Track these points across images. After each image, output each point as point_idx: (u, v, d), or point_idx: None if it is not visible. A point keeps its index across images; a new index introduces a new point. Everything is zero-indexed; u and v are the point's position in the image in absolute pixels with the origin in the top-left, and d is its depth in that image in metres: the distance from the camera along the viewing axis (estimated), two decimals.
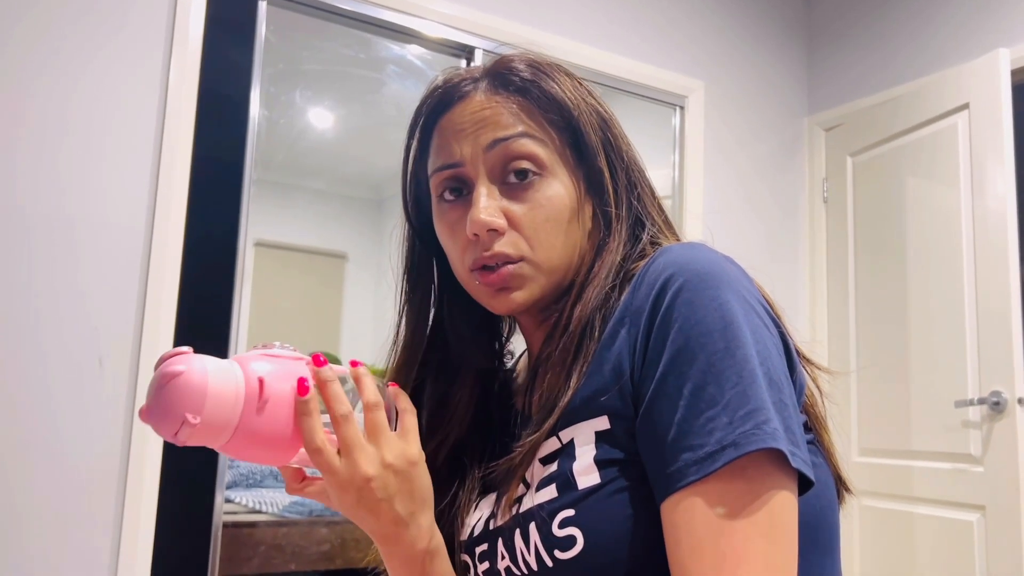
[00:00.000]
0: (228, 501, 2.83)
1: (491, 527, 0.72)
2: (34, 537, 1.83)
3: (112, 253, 1.97)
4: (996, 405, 2.46)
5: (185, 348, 0.63)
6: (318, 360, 0.66)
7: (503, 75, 0.77)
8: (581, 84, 0.79)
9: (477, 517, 0.75)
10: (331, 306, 4.96)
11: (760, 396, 0.58)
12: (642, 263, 0.71)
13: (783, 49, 3.31)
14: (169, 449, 1.96)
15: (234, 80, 2.17)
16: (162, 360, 0.62)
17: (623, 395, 0.64)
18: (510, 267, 0.72)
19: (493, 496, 0.74)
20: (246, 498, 2.99)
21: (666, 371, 0.61)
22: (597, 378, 0.66)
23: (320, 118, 4.41)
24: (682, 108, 2.98)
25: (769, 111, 3.22)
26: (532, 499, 0.67)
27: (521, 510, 0.68)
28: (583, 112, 0.76)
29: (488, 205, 0.72)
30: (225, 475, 2.09)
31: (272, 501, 2.94)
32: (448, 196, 0.76)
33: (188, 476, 2.01)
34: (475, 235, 0.72)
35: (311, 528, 2.81)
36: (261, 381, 0.62)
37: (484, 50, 2.55)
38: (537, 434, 0.68)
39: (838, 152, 3.19)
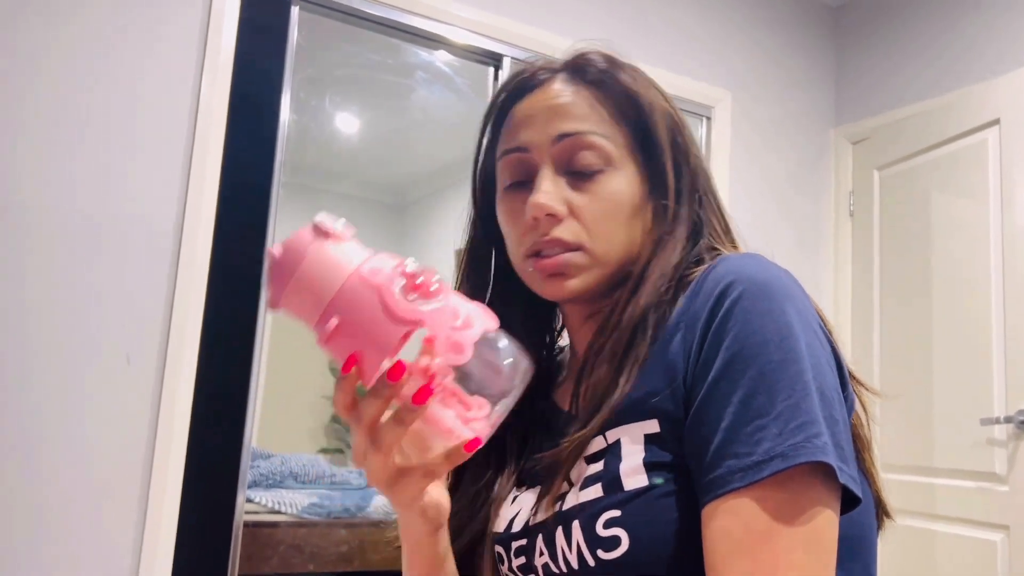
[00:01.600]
0: (249, 501, 2.85)
1: (530, 523, 0.71)
2: (57, 533, 1.85)
3: (143, 252, 1.99)
4: (1023, 424, 2.43)
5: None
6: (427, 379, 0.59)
7: (580, 67, 0.77)
8: (656, 85, 0.80)
9: (515, 511, 0.74)
10: None
11: (812, 410, 0.58)
12: (699, 269, 0.71)
13: (811, 60, 3.30)
14: (193, 447, 1.98)
15: (265, 84, 2.20)
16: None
17: (675, 399, 0.64)
18: (566, 254, 0.72)
19: (532, 491, 0.74)
20: (266, 498, 3.01)
21: (718, 376, 0.61)
22: (649, 380, 0.66)
23: (348, 123, 4.45)
24: (708, 118, 2.97)
25: (796, 122, 3.21)
26: (576, 497, 0.67)
27: (564, 507, 0.67)
28: (655, 111, 0.77)
29: (550, 191, 0.73)
30: (247, 475, 2.10)
31: (292, 502, 2.96)
32: (512, 182, 0.77)
33: (211, 475, 2.03)
34: (534, 219, 0.73)
35: (330, 529, 2.83)
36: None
37: (512, 58, 2.56)
38: (585, 431, 0.67)
39: (865, 165, 3.17)
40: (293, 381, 4.54)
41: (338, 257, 0.56)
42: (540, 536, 0.69)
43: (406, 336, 0.56)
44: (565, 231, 0.72)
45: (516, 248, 0.77)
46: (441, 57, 3.09)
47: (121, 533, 1.90)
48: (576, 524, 0.65)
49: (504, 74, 2.57)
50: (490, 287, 0.85)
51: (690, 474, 0.62)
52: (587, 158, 0.73)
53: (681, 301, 0.69)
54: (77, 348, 1.91)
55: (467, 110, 3.74)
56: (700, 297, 0.66)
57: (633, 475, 0.63)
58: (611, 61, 0.78)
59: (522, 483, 0.77)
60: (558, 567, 0.67)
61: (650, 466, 0.63)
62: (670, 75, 2.87)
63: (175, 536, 1.94)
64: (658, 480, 0.62)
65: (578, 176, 0.74)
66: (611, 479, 0.64)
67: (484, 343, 0.57)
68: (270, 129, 2.19)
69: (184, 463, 1.97)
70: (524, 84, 0.78)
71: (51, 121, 1.93)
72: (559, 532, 0.67)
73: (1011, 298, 2.52)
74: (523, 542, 0.72)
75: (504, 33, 2.56)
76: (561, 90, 0.76)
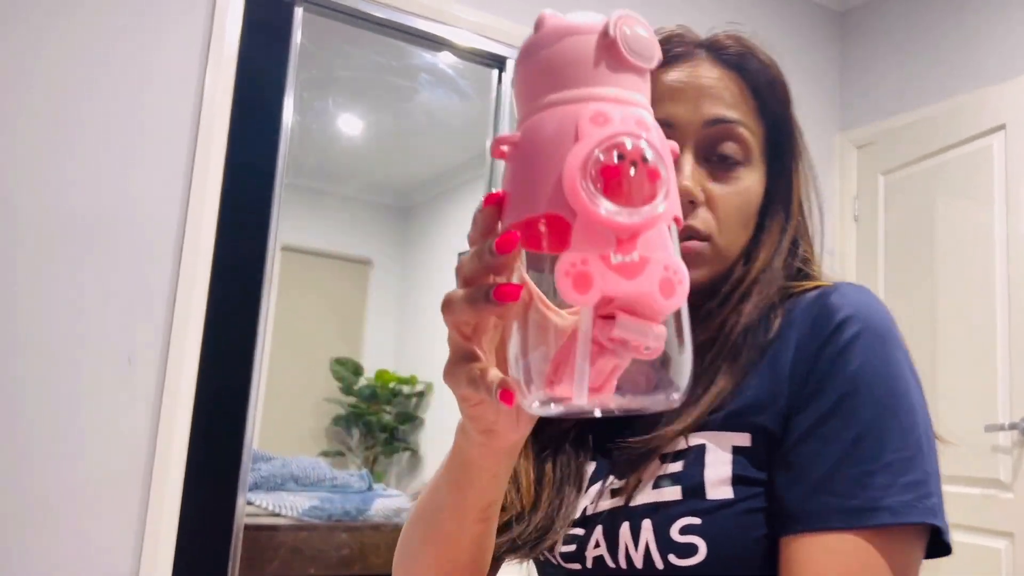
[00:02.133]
0: (249, 503, 2.84)
1: (588, 512, 0.68)
2: (57, 534, 1.84)
3: (144, 253, 1.99)
4: None
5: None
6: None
7: (730, 51, 0.74)
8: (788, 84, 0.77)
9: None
10: (355, 311, 4.98)
11: (924, 468, 0.58)
12: (804, 285, 0.69)
13: (816, 64, 3.29)
14: (194, 449, 1.98)
15: (268, 85, 2.19)
16: None
17: (776, 418, 0.62)
18: (695, 243, 0.69)
19: (598, 481, 0.70)
20: (267, 501, 3.00)
21: (829, 412, 0.60)
22: (748, 392, 0.64)
23: (351, 124, 4.44)
24: None
25: (800, 126, 3.20)
26: (648, 495, 0.64)
27: (633, 503, 0.65)
28: (790, 112, 0.75)
29: (693, 175, 0.70)
30: (248, 477, 2.10)
31: (292, 505, 2.95)
32: None
33: (212, 476, 2.02)
34: None
35: (330, 533, 2.82)
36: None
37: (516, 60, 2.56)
38: (669, 431, 0.65)
39: (870, 170, 3.16)
40: (294, 383, 4.54)
41: (583, 76, 0.39)
42: (599, 528, 0.67)
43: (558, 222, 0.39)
44: (699, 220, 0.69)
45: None
46: (445, 59, 3.08)
47: (121, 535, 1.90)
48: (648, 523, 0.63)
49: (508, 76, 2.57)
50: None
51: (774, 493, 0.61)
52: (731, 149, 0.71)
53: (783, 315, 0.67)
54: (78, 349, 1.90)
55: (471, 112, 3.73)
56: (812, 321, 0.64)
57: (719, 486, 0.62)
58: (759, 51, 0.76)
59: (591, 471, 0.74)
60: (615, 562, 0.65)
61: (738, 479, 0.62)
62: None
63: (175, 538, 1.93)
64: (745, 495, 0.61)
65: (718, 165, 0.71)
66: (693, 485, 0.62)
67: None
68: (273, 130, 2.19)
69: (185, 465, 1.97)
70: (666, 53, 0.73)
71: (54, 121, 1.93)
72: (625, 527, 0.64)
73: (1016, 304, 2.51)
74: (578, 531, 0.68)
75: (508, 35, 2.56)
76: (710, 70, 0.73)
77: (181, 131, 2.05)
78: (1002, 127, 2.63)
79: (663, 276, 0.37)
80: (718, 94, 0.71)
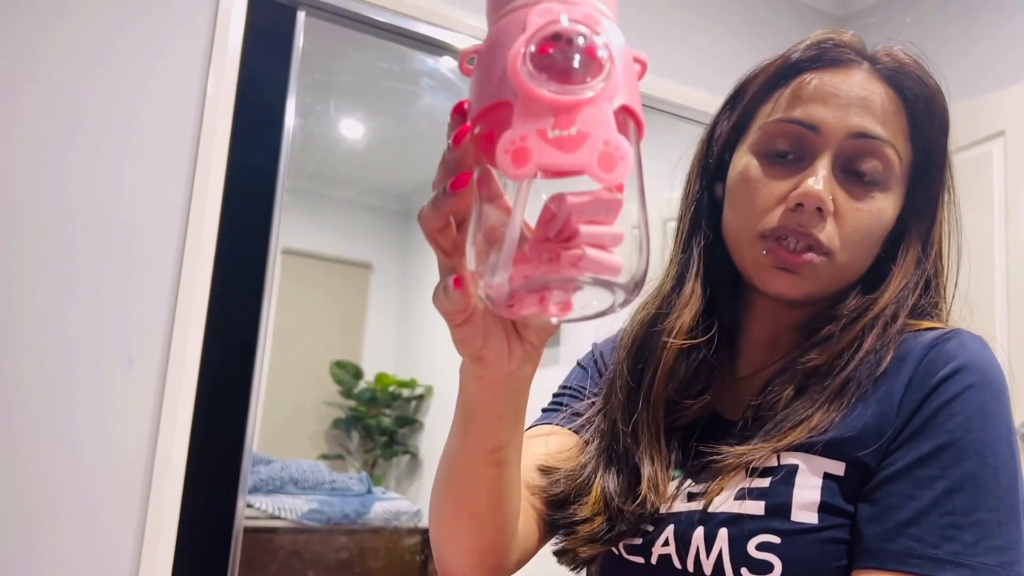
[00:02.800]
0: (249, 506, 2.85)
1: (661, 509, 0.68)
2: (56, 536, 1.85)
3: (145, 255, 1.99)
4: None
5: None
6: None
7: (893, 67, 0.71)
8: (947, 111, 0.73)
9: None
10: (355, 315, 4.99)
11: (1013, 536, 0.57)
12: (922, 325, 0.68)
13: None
14: (194, 451, 1.98)
15: (270, 89, 2.20)
16: None
17: (877, 455, 0.61)
18: (814, 256, 0.67)
19: (676, 480, 0.70)
20: (267, 504, 3.01)
21: (927, 457, 0.59)
22: (850, 425, 0.63)
23: (353, 128, 4.45)
24: None
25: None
26: (730, 504, 0.64)
27: (712, 509, 0.64)
28: (945, 143, 0.73)
29: (826, 183, 0.67)
30: (247, 480, 2.10)
31: (292, 507, 2.95)
32: (774, 152, 0.70)
33: (212, 479, 2.02)
34: (799, 205, 0.66)
35: (330, 536, 2.82)
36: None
37: None
38: (765, 446, 0.64)
39: None
40: (294, 386, 4.54)
41: None
42: (672, 527, 0.66)
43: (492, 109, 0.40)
44: (825, 233, 0.66)
45: (750, 221, 0.69)
46: (447, 64, 3.09)
47: (121, 537, 1.90)
48: (724, 532, 0.63)
49: None
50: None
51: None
52: (873, 166, 0.68)
53: (895, 350, 0.65)
54: (79, 351, 1.91)
55: None
56: (927, 364, 0.63)
57: (805, 509, 0.61)
58: (925, 74, 0.73)
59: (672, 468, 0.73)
60: (682, 563, 0.64)
61: (825, 507, 0.61)
62: (675, 84, 2.87)
63: (175, 540, 1.94)
64: (830, 524, 0.61)
65: (855, 180, 0.68)
66: (779, 504, 0.62)
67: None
68: (274, 134, 2.19)
69: (185, 467, 1.97)
70: (826, 54, 0.71)
71: (56, 125, 1.94)
72: (699, 532, 0.64)
73: (1015, 310, 2.51)
74: (648, 527, 0.68)
75: None
76: (868, 82, 0.70)
77: (183, 134, 2.06)
78: (1001, 133, 2.63)
79: (602, 151, 0.38)
80: (872, 107, 0.68)
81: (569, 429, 0.78)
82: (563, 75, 0.38)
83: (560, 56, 0.38)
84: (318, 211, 4.77)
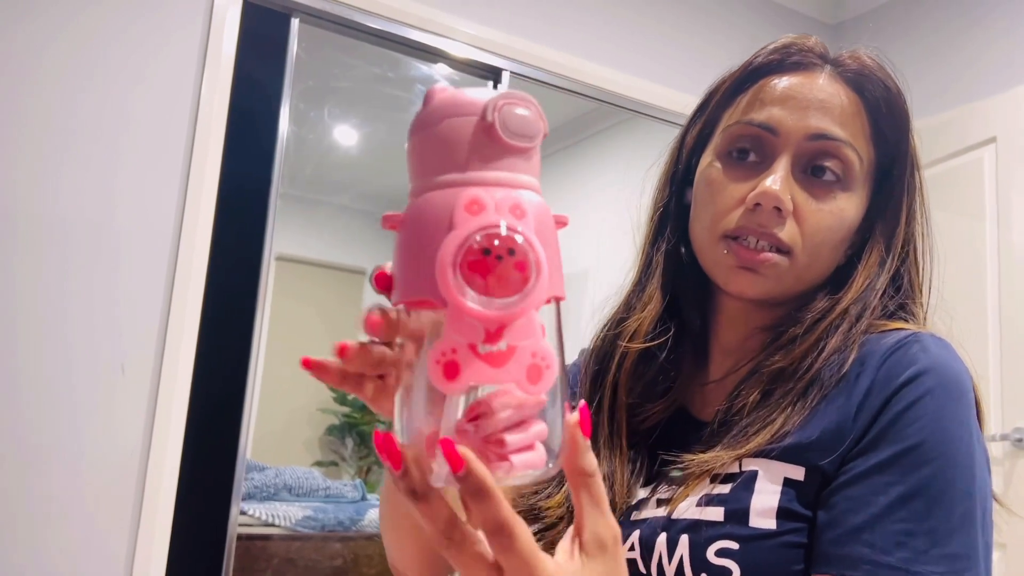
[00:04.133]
0: (242, 513, 2.84)
1: (632, 517, 0.68)
2: (50, 543, 1.84)
3: (139, 262, 1.99)
4: (1019, 442, 2.43)
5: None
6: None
7: (852, 68, 0.72)
8: (909, 112, 0.73)
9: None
10: (349, 322, 4.97)
11: (968, 544, 0.58)
12: (888, 325, 0.68)
13: None
14: (187, 458, 1.97)
15: (264, 96, 2.20)
16: None
17: (834, 461, 0.61)
18: (774, 255, 0.67)
19: (645, 488, 0.70)
20: (260, 511, 2.99)
21: (884, 463, 0.59)
22: (810, 430, 0.63)
23: (346, 135, 4.45)
24: None
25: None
26: (691, 510, 0.64)
27: (675, 515, 0.65)
28: (908, 144, 0.72)
29: (784, 183, 0.67)
30: (241, 487, 2.09)
31: (286, 515, 2.94)
32: (734, 154, 0.71)
33: (205, 486, 2.02)
34: (757, 205, 0.67)
35: (324, 543, 2.81)
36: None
37: (512, 72, 2.57)
38: (728, 453, 0.64)
39: None
40: (288, 393, 4.52)
41: (467, 164, 0.40)
42: (637, 532, 0.67)
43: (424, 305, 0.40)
44: (785, 232, 0.67)
45: (711, 222, 0.70)
46: (441, 71, 3.09)
47: (114, 544, 1.89)
48: (685, 539, 0.63)
49: (503, 88, 2.58)
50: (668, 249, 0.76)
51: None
52: (832, 166, 0.68)
53: (857, 351, 0.65)
54: (72, 357, 1.90)
55: None
56: (887, 368, 0.62)
57: (764, 515, 0.61)
58: (885, 73, 0.72)
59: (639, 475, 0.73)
60: (647, 568, 0.65)
61: (783, 512, 0.61)
62: (669, 91, 2.88)
63: (168, 548, 1.93)
64: (788, 528, 0.61)
65: (815, 179, 0.69)
66: (738, 510, 0.62)
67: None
68: (269, 140, 2.19)
69: (178, 474, 1.96)
70: (788, 58, 0.72)
71: (50, 130, 1.93)
72: (662, 538, 0.64)
73: (1007, 315, 2.52)
74: None
75: (504, 48, 2.57)
76: (829, 84, 0.70)
77: (177, 141, 2.06)
78: (993, 140, 2.65)
79: (530, 363, 0.38)
80: (830, 109, 0.69)
81: None
82: (494, 288, 0.38)
83: (490, 269, 0.38)
84: (312, 217, 4.77)
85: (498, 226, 0.38)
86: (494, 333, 0.38)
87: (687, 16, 3.00)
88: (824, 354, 0.65)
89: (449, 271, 0.38)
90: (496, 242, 0.38)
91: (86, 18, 1.99)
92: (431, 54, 2.53)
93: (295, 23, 2.26)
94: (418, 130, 0.43)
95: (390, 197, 5.08)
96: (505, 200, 0.39)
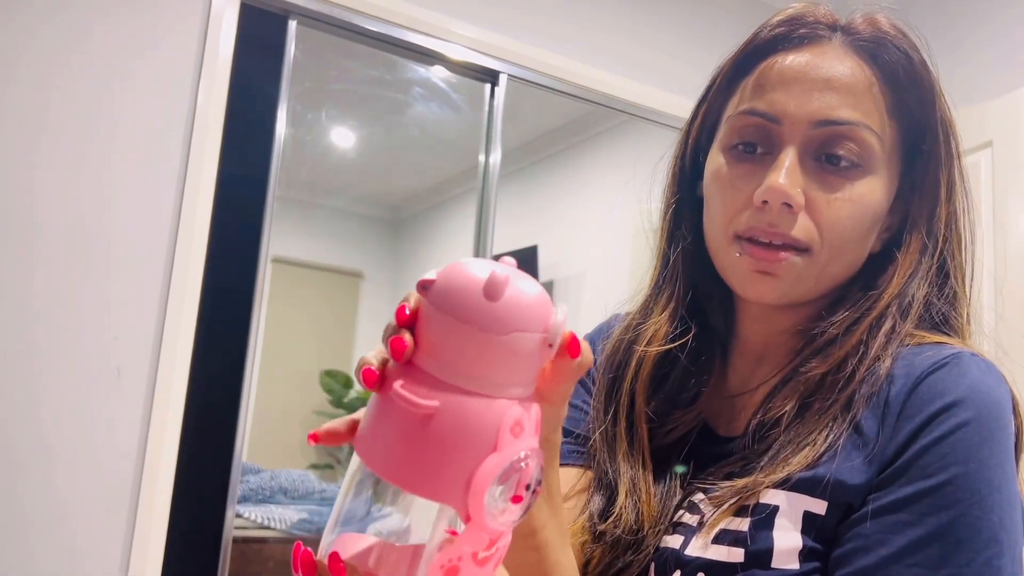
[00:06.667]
0: (238, 516, 2.83)
1: (651, 539, 0.64)
2: (45, 546, 1.83)
3: (135, 265, 1.98)
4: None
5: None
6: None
7: (864, 34, 0.64)
8: (938, 78, 0.66)
9: None
10: (345, 324, 4.97)
11: None
12: (926, 337, 0.61)
13: None
14: (183, 461, 1.97)
15: (261, 98, 2.20)
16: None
17: (859, 496, 0.56)
18: (791, 254, 0.61)
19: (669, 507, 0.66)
20: (256, 514, 2.99)
21: (905, 501, 0.54)
22: (836, 462, 0.57)
23: (344, 137, 4.46)
24: None
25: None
26: (707, 549, 0.58)
27: (687, 551, 0.60)
28: (938, 111, 0.64)
29: (793, 176, 0.60)
30: (237, 489, 2.09)
31: (281, 517, 2.94)
32: (739, 147, 0.64)
33: (201, 489, 2.01)
34: (764, 202, 0.60)
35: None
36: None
37: (509, 75, 2.57)
38: (765, 478, 0.58)
39: None
40: (284, 395, 4.52)
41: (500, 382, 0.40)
42: (653, 564, 0.62)
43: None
44: (799, 229, 0.60)
45: (722, 221, 0.64)
46: (438, 73, 3.09)
47: (109, 548, 1.88)
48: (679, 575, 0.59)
49: (500, 91, 2.58)
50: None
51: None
52: (846, 150, 0.61)
53: (893, 367, 0.59)
54: (68, 360, 1.89)
55: (463, 126, 3.74)
56: (919, 392, 0.57)
57: (788, 556, 0.56)
58: (904, 37, 0.65)
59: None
60: None
61: (805, 552, 0.56)
62: (666, 94, 2.88)
63: (164, 551, 1.92)
64: (809, 568, 0.56)
65: (828, 167, 0.62)
66: (759, 551, 0.56)
67: None
68: (265, 143, 2.19)
69: (174, 477, 1.96)
70: (792, 32, 0.65)
71: (45, 134, 1.93)
72: (651, 570, 0.61)
73: (1005, 320, 2.53)
74: (630, 555, 0.63)
75: (501, 51, 2.57)
76: (836, 59, 0.63)
77: (174, 143, 2.06)
78: (989, 144, 2.65)
79: (499, 557, 0.42)
80: (839, 89, 0.61)
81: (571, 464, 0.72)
82: (506, 512, 0.41)
83: (521, 499, 0.41)
84: (308, 220, 4.76)
85: (536, 457, 0.40)
86: (493, 543, 0.41)
87: (684, 19, 3.00)
88: (868, 359, 0.59)
89: (486, 494, 0.39)
90: (532, 476, 0.40)
91: (82, 21, 1.99)
92: (429, 56, 2.53)
93: (292, 25, 2.26)
94: (485, 326, 0.39)
95: (387, 200, 5.08)
96: (535, 419, 0.41)
